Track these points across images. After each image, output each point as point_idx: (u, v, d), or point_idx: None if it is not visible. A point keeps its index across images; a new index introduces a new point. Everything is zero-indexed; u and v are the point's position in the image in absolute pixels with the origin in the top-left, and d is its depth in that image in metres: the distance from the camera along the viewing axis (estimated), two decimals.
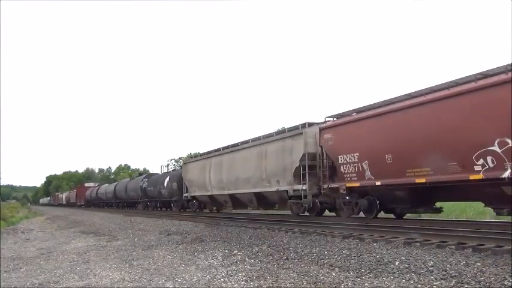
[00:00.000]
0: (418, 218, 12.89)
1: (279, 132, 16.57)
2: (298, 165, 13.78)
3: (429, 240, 8.12)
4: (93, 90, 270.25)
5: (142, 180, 33.88)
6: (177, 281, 6.18)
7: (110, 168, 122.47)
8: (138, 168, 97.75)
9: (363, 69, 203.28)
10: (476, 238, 7.86)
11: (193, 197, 23.56)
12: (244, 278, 6.12)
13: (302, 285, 5.52)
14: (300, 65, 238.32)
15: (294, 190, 14.17)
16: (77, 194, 65.24)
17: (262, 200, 17.03)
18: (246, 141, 18.45)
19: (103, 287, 6.14)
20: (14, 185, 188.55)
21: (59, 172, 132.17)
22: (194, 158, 24.56)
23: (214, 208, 23.56)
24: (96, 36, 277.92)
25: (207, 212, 23.84)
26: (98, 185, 60.46)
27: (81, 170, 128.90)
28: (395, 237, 8.81)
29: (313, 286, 5.46)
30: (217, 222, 15.86)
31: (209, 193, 21.21)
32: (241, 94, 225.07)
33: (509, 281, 5.01)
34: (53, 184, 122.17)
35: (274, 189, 15.46)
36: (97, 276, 6.92)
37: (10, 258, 9.57)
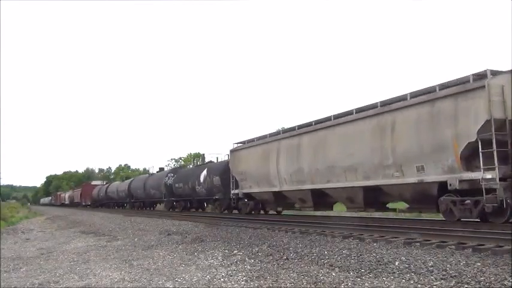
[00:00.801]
0: (418, 218, 12.86)
1: (416, 94, 11.01)
2: (473, 139, 9.29)
3: (429, 240, 8.13)
4: (93, 90, 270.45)
5: (167, 175, 29.40)
6: (177, 281, 6.18)
7: (110, 168, 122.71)
8: (138, 168, 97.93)
9: (361, 69, 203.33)
10: (476, 238, 7.87)
11: (248, 195, 18.49)
12: (244, 278, 6.12)
13: (302, 285, 5.51)
14: (300, 65, 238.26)
15: (461, 181, 9.59)
16: (82, 193, 60.13)
17: (374, 197, 12.24)
18: (347, 113, 13.05)
19: (103, 287, 6.14)
20: (14, 185, 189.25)
21: (59, 172, 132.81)
22: (248, 143, 18.76)
23: (279, 209, 18.51)
24: (97, 36, 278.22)
25: (262, 214, 18.81)
26: (107, 183, 56.33)
27: (81, 170, 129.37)
28: (395, 237, 8.82)
29: (313, 286, 5.46)
30: (217, 222, 15.86)
31: (276, 189, 16.17)
32: (240, 94, 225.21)
33: (509, 281, 5.01)
34: (53, 184, 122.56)
35: (411, 180, 10.69)
36: (97, 276, 6.92)
37: (10, 258, 9.57)
